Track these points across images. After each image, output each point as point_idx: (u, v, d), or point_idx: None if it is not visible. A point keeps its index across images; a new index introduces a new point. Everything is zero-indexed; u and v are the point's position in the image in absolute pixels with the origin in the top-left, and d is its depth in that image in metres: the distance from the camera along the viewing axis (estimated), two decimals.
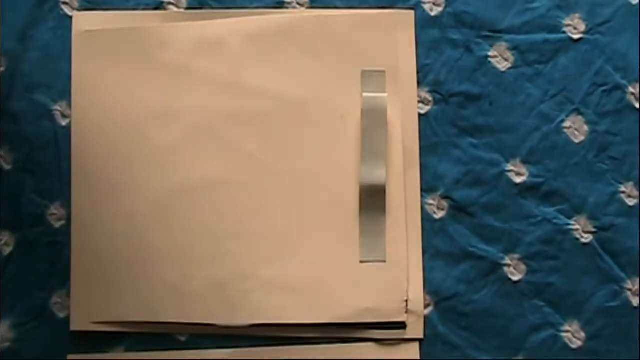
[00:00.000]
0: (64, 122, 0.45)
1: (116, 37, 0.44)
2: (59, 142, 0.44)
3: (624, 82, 0.44)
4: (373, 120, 0.42)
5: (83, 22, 0.45)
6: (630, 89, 0.44)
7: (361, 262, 0.43)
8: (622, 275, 0.43)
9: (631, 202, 0.44)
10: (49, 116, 0.45)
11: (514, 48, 0.44)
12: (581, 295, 0.43)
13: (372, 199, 0.42)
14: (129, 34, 0.44)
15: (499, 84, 0.44)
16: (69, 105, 0.45)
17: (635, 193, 0.44)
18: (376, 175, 0.42)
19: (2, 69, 0.45)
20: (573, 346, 0.43)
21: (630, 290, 0.43)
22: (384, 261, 0.43)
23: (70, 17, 0.45)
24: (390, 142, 0.43)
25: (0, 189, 0.44)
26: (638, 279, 0.43)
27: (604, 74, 0.44)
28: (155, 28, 0.45)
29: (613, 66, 0.44)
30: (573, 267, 0.43)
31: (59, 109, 0.45)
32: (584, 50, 0.44)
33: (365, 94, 0.42)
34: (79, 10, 0.45)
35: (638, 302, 0.43)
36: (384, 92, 0.43)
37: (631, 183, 0.44)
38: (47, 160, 0.44)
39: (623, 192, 0.44)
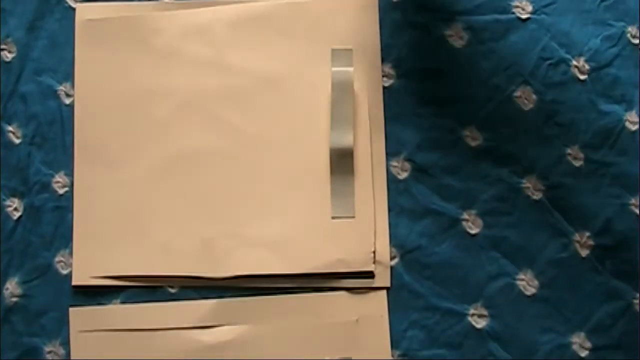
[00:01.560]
0: (67, 101, 0.49)
1: (114, 25, 0.49)
2: (64, 118, 0.49)
3: (567, 56, 0.48)
4: (341, 92, 0.46)
5: (85, 12, 0.49)
6: (574, 62, 0.47)
7: (333, 218, 0.46)
8: (571, 229, 0.46)
9: (577, 164, 0.47)
10: (54, 96, 0.49)
11: (468, 28, 0.48)
12: (534, 247, 0.46)
13: (342, 162, 0.46)
14: (126, 22, 0.49)
15: (455, 60, 0.48)
16: (72, 86, 0.49)
17: (581, 155, 0.47)
18: (344, 140, 0.46)
19: (13, 55, 0.50)
20: (528, 293, 0.45)
21: (578, 242, 0.46)
22: (353, 217, 0.46)
23: (74, 9, 0.50)
24: (357, 111, 0.47)
25: (11, 161, 0.49)
26: (586, 233, 0.46)
27: (549, 49, 0.48)
28: (148, 16, 0.49)
29: (557, 42, 0.48)
30: (525, 222, 0.46)
31: (63, 89, 0.49)
32: (531, 29, 0.48)
33: (334, 69, 0.46)
34: (81, 2, 0.50)
35: (586, 254, 0.46)
36: (351, 67, 0.46)
37: (576, 146, 0.47)
38: (53, 135, 0.49)
39: (569, 154, 0.47)
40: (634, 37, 0.48)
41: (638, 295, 0.45)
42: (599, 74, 0.48)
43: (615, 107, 0.47)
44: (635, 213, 0.46)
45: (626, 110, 0.47)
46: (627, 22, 0.48)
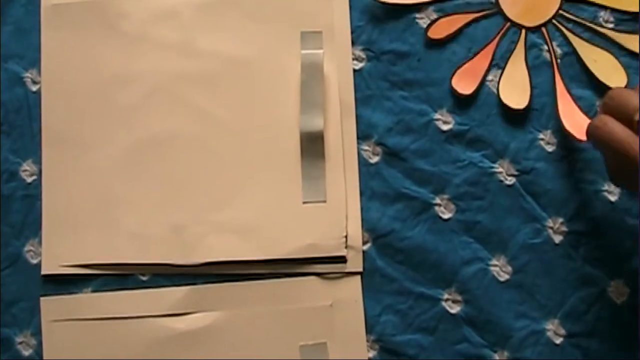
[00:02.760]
0: (34, 88, 0.49)
1: (81, 10, 0.48)
2: (30, 105, 0.48)
3: (539, 41, 0.47)
4: (311, 75, 0.45)
5: None
6: (545, 47, 0.47)
7: (304, 203, 0.46)
8: (544, 214, 0.46)
9: (550, 149, 0.46)
10: (20, 83, 0.49)
11: (439, 10, 0.48)
12: (506, 232, 0.46)
13: (312, 146, 0.46)
14: (92, 6, 0.48)
15: (426, 42, 0.48)
16: (39, 72, 0.48)
17: (554, 140, 0.47)
18: (315, 123, 0.45)
19: None
20: (501, 279, 0.45)
21: (551, 228, 0.46)
22: (324, 202, 0.46)
23: None
24: (327, 94, 0.46)
25: None
26: (559, 219, 0.46)
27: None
28: (116, 0, 0.48)
29: None
30: (498, 207, 0.46)
31: (29, 76, 0.49)
32: None
33: (303, 52, 0.46)
34: None
35: (560, 239, 0.45)
36: (321, 49, 0.46)
37: (549, 131, 0.47)
38: (20, 123, 0.48)
39: (542, 139, 0.46)
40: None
41: (611, 282, 0.45)
42: (571, 58, 0.47)
43: (588, 93, 0.47)
44: (608, 199, 0.46)
45: (599, 96, 0.47)
46: None
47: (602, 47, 0.47)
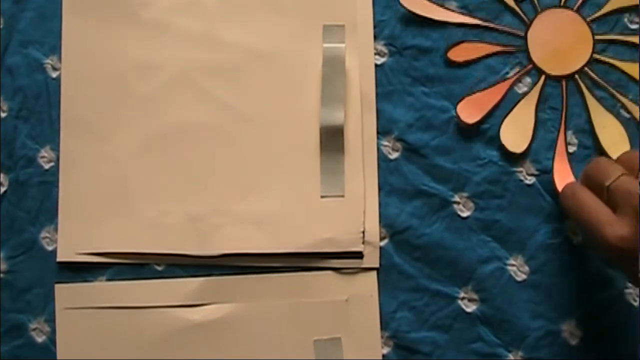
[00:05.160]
0: (54, 74, 0.48)
1: None
2: (50, 92, 0.48)
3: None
4: (333, 69, 0.45)
5: None
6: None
7: (322, 197, 0.46)
8: (563, 215, 0.45)
9: (571, 149, 0.46)
10: (41, 69, 0.49)
11: (463, 7, 0.47)
12: (525, 232, 0.45)
13: (332, 140, 0.46)
14: None
15: (449, 38, 0.47)
16: (59, 59, 0.48)
17: (575, 141, 0.46)
18: (335, 117, 0.45)
19: (0, 27, 0.49)
20: (518, 279, 0.45)
21: (570, 228, 0.45)
22: (343, 196, 0.46)
23: None
24: (348, 88, 0.46)
25: None
26: None
27: None
28: None
29: None
30: (517, 206, 0.46)
31: (50, 62, 0.49)
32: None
33: (325, 45, 0.45)
34: None
35: (578, 240, 0.45)
36: (343, 43, 0.45)
37: (570, 131, 0.46)
38: (39, 109, 0.48)
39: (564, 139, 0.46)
40: (631, 22, 0.47)
41: (629, 284, 0.45)
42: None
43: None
44: None
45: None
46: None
47: (615, 115, 0.46)
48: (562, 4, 0.47)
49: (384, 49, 0.47)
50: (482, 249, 0.46)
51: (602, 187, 0.39)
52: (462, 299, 0.45)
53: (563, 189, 0.42)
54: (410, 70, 0.47)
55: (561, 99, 0.46)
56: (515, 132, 0.46)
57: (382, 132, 0.47)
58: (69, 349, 0.46)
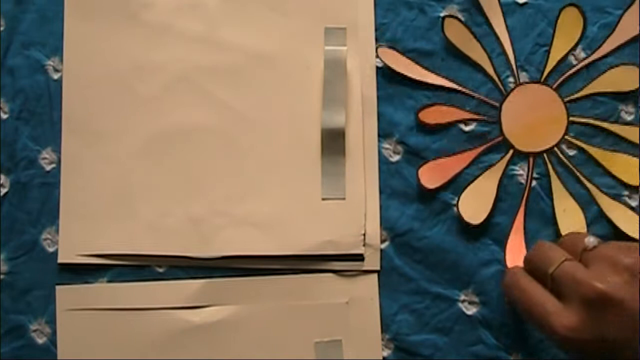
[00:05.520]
0: (55, 76, 0.48)
1: None
2: (51, 93, 0.48)
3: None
4: (334, 71, 0.45)
5: None
6: (525, 176, 0.46)
7: (323, 199, 0.46)
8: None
9: (571, 152, 0.46)
10: (42, 70, 0.48)
11: (464, 10, 0.47)
12: (526, 235, 0.45)
13: (333, 142, 0.46)
14: None
15: (449, 43, 0.47)
16: (61, 60, 0.48)
17: (575, 141, 0.46)
18: (336, 120, 0.45)
19: (1, 28, 0.49)
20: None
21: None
22: (344, 199, 0.46)
23: None
24: (349, 91, 0.46)
25: None
26: None
27: (546, 35, 0.47)
28: None
29: (554, 29, 0.46)
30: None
31: (51, 64, 0.49)
32: (528, 14, 0.47)
33: (327, 48, 0.45)
34: None
35: None
36: (345, 46, 0.46)
37: (572, 134, 0.46)
38: (40, 110, 0.48)
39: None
40: (627, 113, 0.47)
41: None
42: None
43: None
44: (629, 204, 0.45)
45: (622, 101, 0.46)
46: (625, 9, 0.47)
47: (577, 200, 0.45)
48: (542, 80, 0.46)
49: None
50: (482, 252, 0.46)
51: (546, 274, 0.37)
52: (463, 301, 0.45)
53: (505, 278, 0.40)
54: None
55: (526, 176, 0.46)
56: (475, 203, 0.45)
57: (383, 135, 0.47)
58: (70, 351, 0.46)
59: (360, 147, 0.46)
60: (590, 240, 0.38)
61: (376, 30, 0.47)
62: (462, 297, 0.45)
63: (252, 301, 0.46)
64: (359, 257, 0.46)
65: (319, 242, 0.45)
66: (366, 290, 0.45)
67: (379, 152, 0.47)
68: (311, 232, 0.45)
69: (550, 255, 0.38)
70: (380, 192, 0.46)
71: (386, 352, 0.45)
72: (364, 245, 0.45)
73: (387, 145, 0.47)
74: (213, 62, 0.47)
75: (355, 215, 0.46)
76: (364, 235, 0.45)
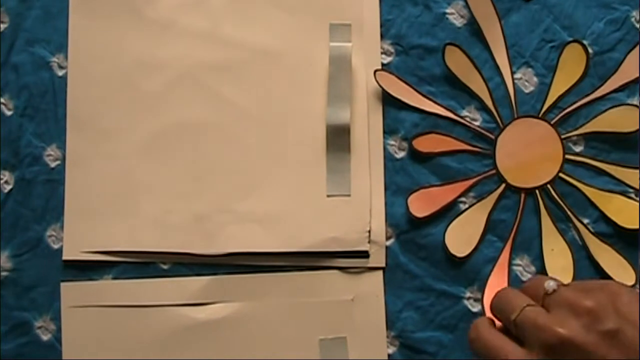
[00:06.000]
0: (60, 73, 0.49)
1: None
2: (56, 90, 0.48)
3: (570, 39, 0.46)
4: (339, 68, 0.45)
5: None
6: (514, 212, 0.46)
7: (328, 196, 0.46)
8: (570, 215, 0.45)
9: (577, 149, 0.46)
10: (47, 67, 0.49)
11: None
12: (530, 232, 0.45)
13: (338, 139, 0.45)
14: None
15: (455, 38, 0.47)
16: (66, 57, 0.48)
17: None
18: (341, 116, 0.45)
19: (5, 25, 0.49)
20: (523, 278, 0.45)
21: (576, 229, 0.45)
22: (349, 195, 0.46)
23: None
24: (354, 87, 0.46)
25: (2, 133, 0.48)
26: (585, 220, 0.45)
27: (552, 31, 0.46)
28: None
29: (560, 25, 0.46)
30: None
31: (56, 60, 0.49)
32: (534, 10, 0.47)
33: (332, 44, 0.45)
34: None
35: (584, 241, 0.45)
36: (350, 42, 0.46)
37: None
38: (45, 107, 0.48)
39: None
40: (638, 21, 0.47)
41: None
42: (601, 57, 0.46)
43: (617, 94, 0.46)
44: (634, 201, 0.45)
45: (628, 97, 0.46)
46: (631, 6, 0.47)
47: (566, 240, 0.45)
48: (540, 115, 0.46)
49: (391, 48, 0.47)
50: (487, 249, 0.46)
51: (509, 320, 0.37)
52: (468, 298, 0.45)
53: (469, 332, 0.39)
54: (417, 70, 0.47)
55: (516, 212, 0.45)
56: (462, 236, 0.45)
57: (388, 132, 0.47)
58: (75, 347, 0.46)
59: (365, 144, 0.46)
60: (550, 284, 0.37)
61: (381, 26, 0.47)
62: (468, 294, 0.45)
63: (256, 298, 0.46)
64: (364, 254, 0.45)
65: (323, 239, 0.45)
66: (371, 287, 0.45)
67: (384, 149, 0.46)
68: (316, 229, 0.45)
69: (513, 302, 0.37)
70: (386, 189, 0.46)
71: (391, 349, 0.45)
72: (369, 242, 0.45)
73: (392, 142, 0.47)
74: (217, 59, 0.47)
75: (360, 212, 0.45)
76: (369, 232, 0.45)
